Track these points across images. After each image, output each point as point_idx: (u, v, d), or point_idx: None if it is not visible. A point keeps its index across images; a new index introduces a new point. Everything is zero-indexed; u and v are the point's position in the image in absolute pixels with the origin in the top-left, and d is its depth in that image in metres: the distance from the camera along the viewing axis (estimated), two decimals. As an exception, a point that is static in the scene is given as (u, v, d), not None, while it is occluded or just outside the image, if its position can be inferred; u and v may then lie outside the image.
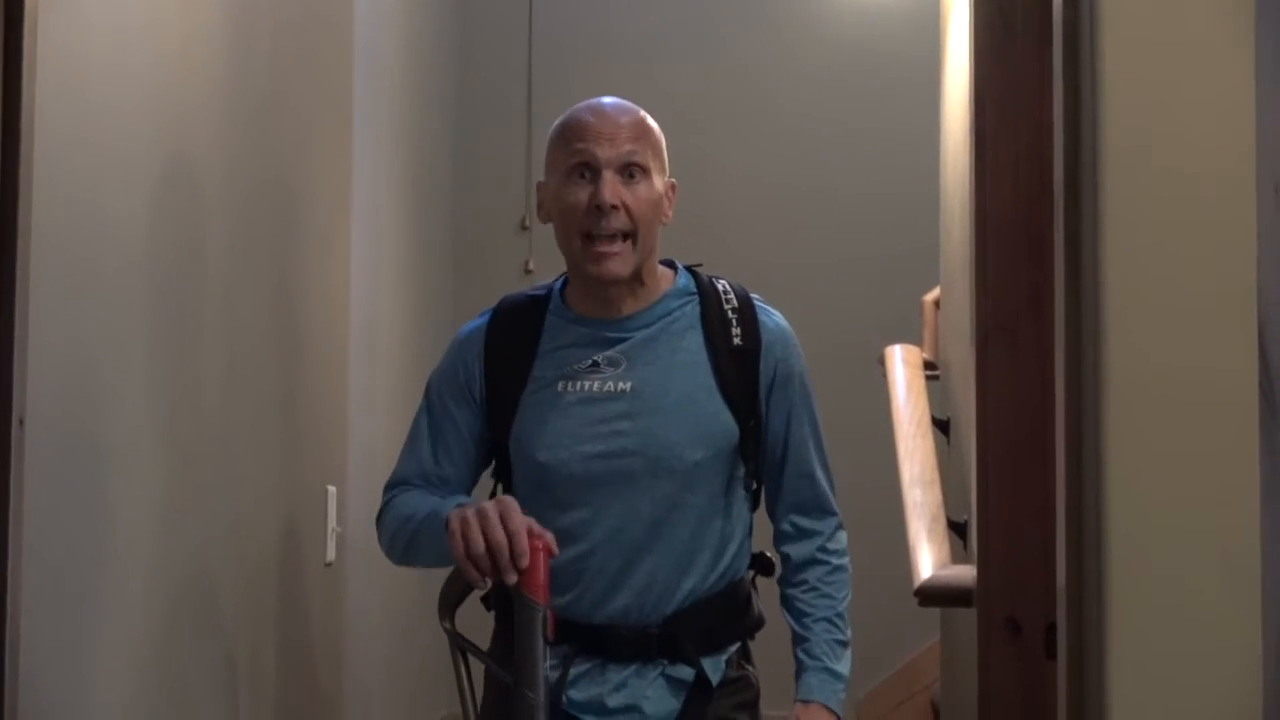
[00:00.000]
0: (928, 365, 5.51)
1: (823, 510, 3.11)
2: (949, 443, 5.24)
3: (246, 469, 3.44)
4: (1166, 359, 2.61)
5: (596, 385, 2.94)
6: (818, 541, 3.09)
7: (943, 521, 4.40)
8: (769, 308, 3.07)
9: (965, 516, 4.34)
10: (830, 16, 7.03)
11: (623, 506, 2.91)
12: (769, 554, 3.12)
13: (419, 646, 5.45)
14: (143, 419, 2.82)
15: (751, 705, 3.08)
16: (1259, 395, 1.44)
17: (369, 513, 4.74)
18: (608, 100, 2.98)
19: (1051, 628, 2.97)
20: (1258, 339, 1.43)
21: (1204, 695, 2.60)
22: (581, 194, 2.89)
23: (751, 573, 3.10)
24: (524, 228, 6.35)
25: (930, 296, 5.94)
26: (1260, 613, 1.44)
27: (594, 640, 2.96)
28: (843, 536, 3.13)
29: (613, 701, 2.96)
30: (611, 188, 2.89)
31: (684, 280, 3.03)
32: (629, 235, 2.92)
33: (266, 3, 3.58)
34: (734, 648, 3.06)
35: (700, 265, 3.09)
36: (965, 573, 3.39)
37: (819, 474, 3.09)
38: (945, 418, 5.27)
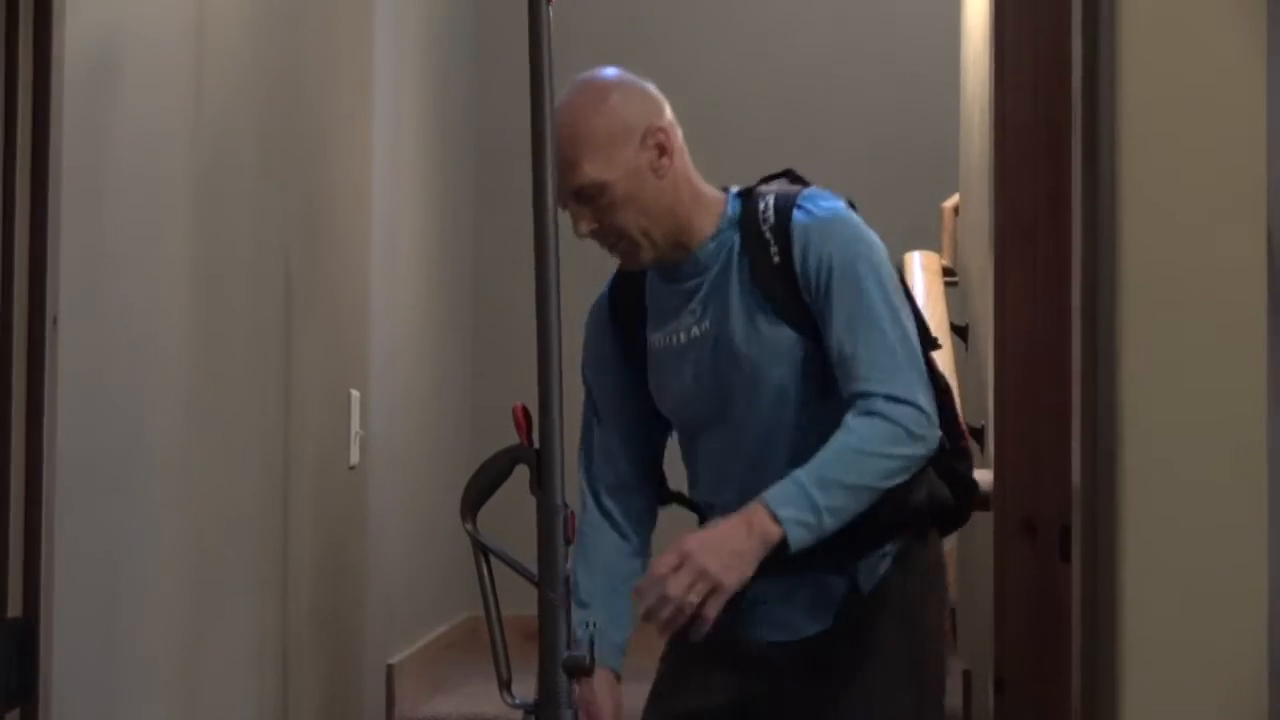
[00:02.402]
0: (946, 272, 5.52)
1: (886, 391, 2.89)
2: (967, 349, 5.27)
3: (270, 373, 3.48)
4: (1182, 262, 2.63)
5: (683, 337, 3.03)
6: (869, 404, 2.89)
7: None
8: (816, 199, 2.98)
9: (982, 422, 4.37)
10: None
11: (734, 436, 2.98)
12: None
13: (442, 549, 5.49)
14: (170, 320, 2.86)
15: (907, 618, 3.01)
16: (1267, 297, 1.46)
17: (391, 416, 4.79)
18: (562, 108, 2.95)
19: (1066, 530, 3.00)
20: (1266, 244, 1.45)
21: (1214, 593, 2.63)
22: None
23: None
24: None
25: (949, 203, 5.95)
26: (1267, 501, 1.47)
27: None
28: (906, 415, 2.87)
29: (776, 616, 3.02)
30: (577, 220, 2.98)
31: (730, 209, 3.03)
32: (622, 237, 2.97)
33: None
34: (892, 545, 3.01)
35: (761, 182, 3.08)
36: (982, 477, 3.42)
37: (869, 346, 2.91)
38: (964, 324, 5.30)
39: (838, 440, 2.86)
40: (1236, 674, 2.60)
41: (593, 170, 2.93)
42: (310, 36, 3.80)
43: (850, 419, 2.87)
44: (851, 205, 3.05)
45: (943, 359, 4.66)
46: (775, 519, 2.81)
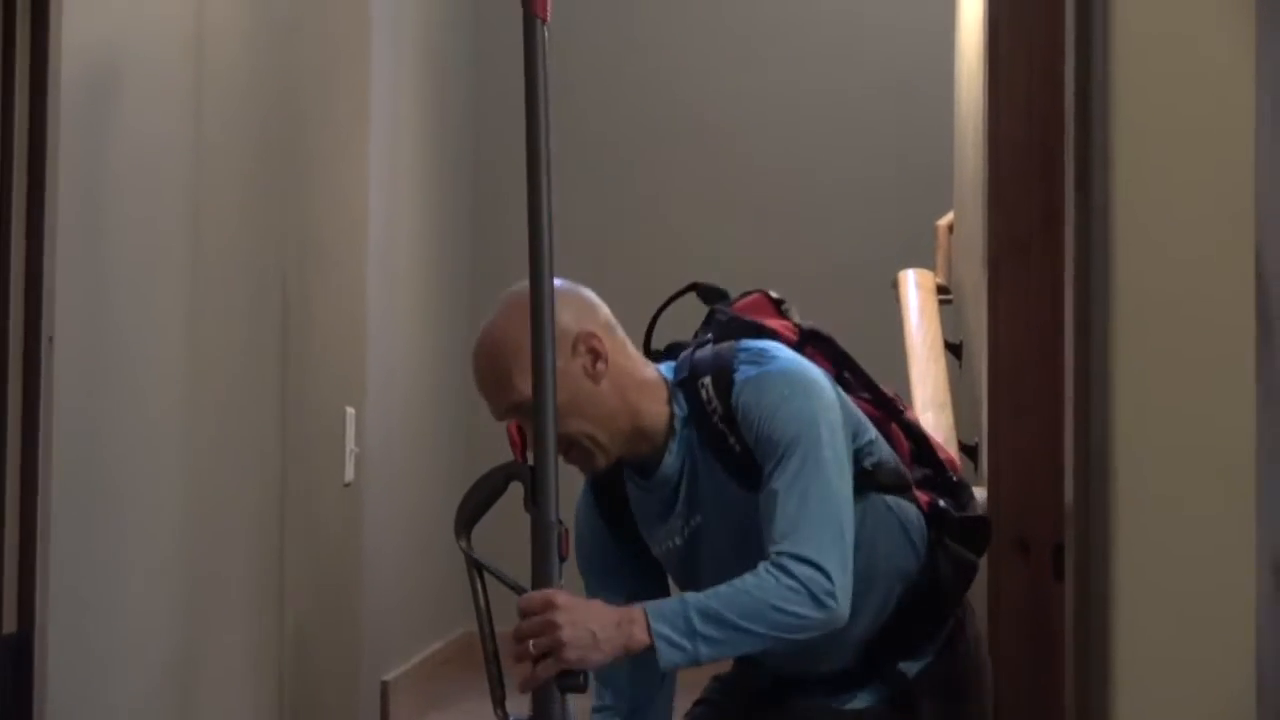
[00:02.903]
0: (941, 289, 5.53)
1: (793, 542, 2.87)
2: (961, 366, 5.27)
3: (266, 390, 3.48)
4: (1174, 281, 2.64)
5: (679, 540, 3.05)
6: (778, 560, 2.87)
7: (954, 444, 4.44)
8: (746, 364, 2.96)
9: (976, 439, 4.38)
10: (847, -60, 7.03)
11: (721, 576, 2.98)
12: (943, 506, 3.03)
13: (437, 565, 5.50)
14: (165, 338, 2.86)
15: (963, 678, 3.05)
16: (1255, 317, 1.47)
17: (387, 433, 4.79)
18: (478, 339, 2.95)
19: (1060, 548, 3.00)
20: (1255, 262, 1.46)
21: (1206, 613, 2.64)
22: None
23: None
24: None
25: (944, 221, 5.96)
26: (1255, 529, 1.48)
27: (787, 679, 3.05)
28: (812, 578, 2.83)
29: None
30: (529, 437, 2.87)
31: (677, 407, 3.01)
32: (572, 445, 2.95)
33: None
34: (938, 637, 3.04)
35: (686, 343, 3.09)
36: (976, 494, 3.42)
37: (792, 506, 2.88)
38: (958, 342, 5.30)
39: (740, 580, 2.83)
40: (1227, 692, 2.60)
41: (525, 385, 2.84)
42: (308, 53, 3.80)
43: (760, 567, 2.84)
44: (768, 296, 3.07)
45: (938, 377, 4.66)
46: (649, 630, 2.77)
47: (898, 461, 3.03)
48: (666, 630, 2.77)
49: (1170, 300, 2.65)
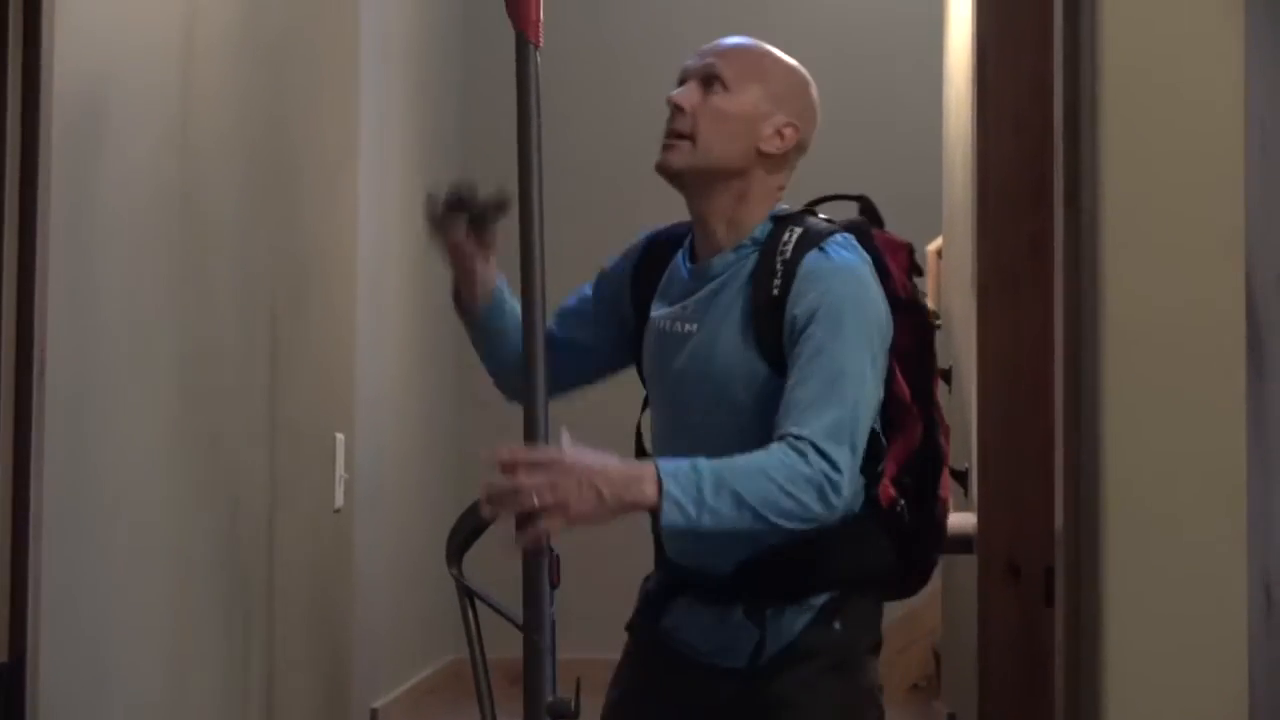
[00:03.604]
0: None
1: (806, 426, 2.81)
2: (950, 391, 5.27)
3: (255, 417, 3.48)
4: (1163, 305, 2.65)
5: (677, 327, 3.01)
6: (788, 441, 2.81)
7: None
8: (839, 247, 2.95)
9: (966, 465, 4.38)
10: (834, -34, 7.04)
11: (691, 443, 2.94)
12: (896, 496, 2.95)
13: (427, 591, 5.49)
14: (154, 365, 2.86)
15: (830, 670, 2.91)
16: (1245, 343, 1.48)
17: (376, 459, 4.79)
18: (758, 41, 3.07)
19: (1050, 573, 3.01)
20: (1245, 286, 1.46)
21: (1198, 636, 2.64)
22: None
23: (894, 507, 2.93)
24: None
25: (933, 246, 5.97)
26: (1245, 551, 1.48)
27: (680, 578, 3.00)
28: (826, 472, 2.78)
29: (704, 644, 2.98)
30: (683, 92, 2.99)
31: (761, 230, 3.03)
32: (686, 136, 2.99)
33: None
34: (824, 597, 2.98)
35: (806, 210, 3.10)
36: (966, 520, 3.43)
37: (816, 390, 2.83)
38: (947, 367, 5.30)
39: (753, 456, 2.78)
40: (1219, 715, 2.60)
41: (732, 77, 2.98)
42: (296, 80, 3.81)
43: (775, 445, 2.79)
44: (911, 253, 3.05)
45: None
46: (659, 489, 2.72)
47: (881, 438, 2.99)
48: (677, 493, 2.71)
49: (1160, 323, 2.66)
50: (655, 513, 2.73)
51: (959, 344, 4.96)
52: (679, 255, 3.10)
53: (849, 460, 2.81)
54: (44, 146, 2.30)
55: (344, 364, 4.34)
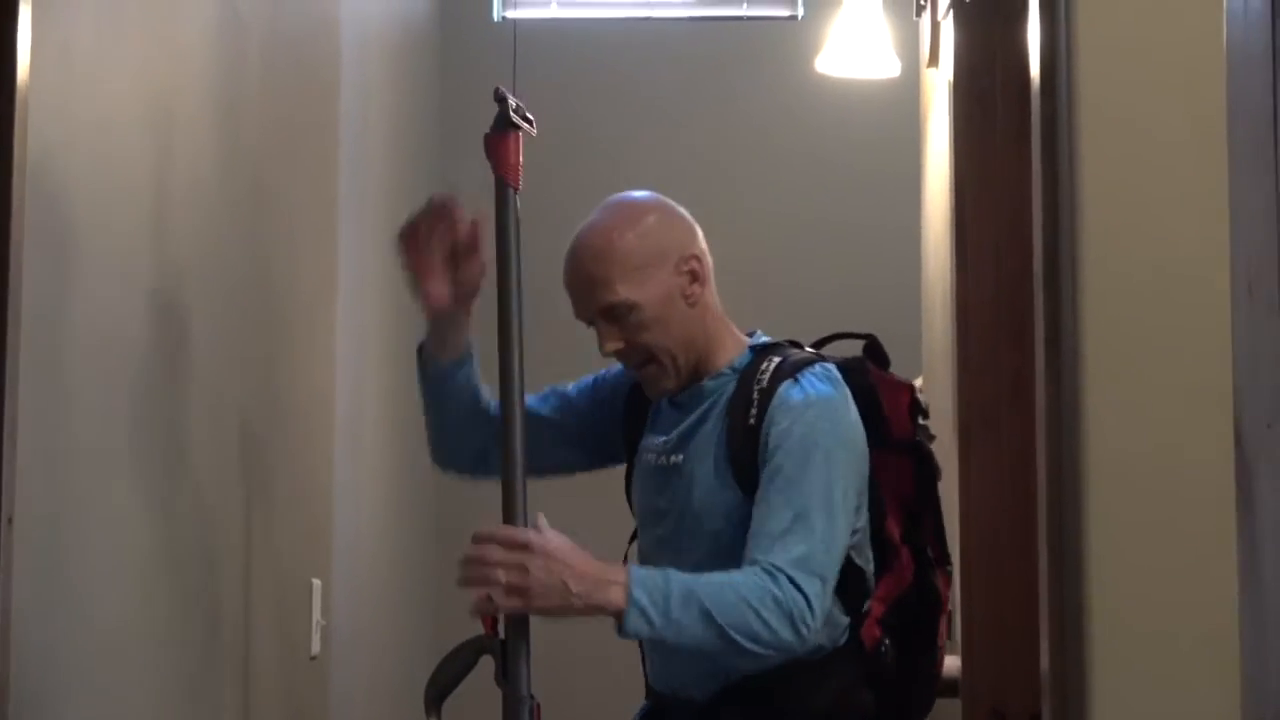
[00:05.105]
0: (911, 453, 5.52)
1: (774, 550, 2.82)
2: (933, 531, 5.25)
3: (230, 563, 3.44)
4: (1146, 449, 2.63)
5: (663, 460, 3.02)
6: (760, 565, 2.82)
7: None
8: (817, 379, 2.94)
9: (949, 608, 4.35)
10: (809, 106, 7.07)
11: (671, 556, 2.94)
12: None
13: (404, 739, 5.43)
14: (126, 516, 2.83)
15: None
16: (1235, 487, 1.46)
17: (354, 605, 4.74)
18: (576, 239, 3.03)
19: (1036, 718, 2.97)
20: (1234, 432, 1.44)
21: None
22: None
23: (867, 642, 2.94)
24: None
25: (914, 383, 5.96)
26: (1240, 702, 1.45)
27: (661, 705, 2.98)
28: (798, 603, 2.77)
29: None
30: (603, 338, 3.00)
31: (740, 360, 3.03)
32: (649, 360, 2.99)
33: (253, 99, 3.60)
34: None
35: (790, 342, 3.09)
36: (950, 663, 3.39)
37: (783, 514, 2.84)
38: (929, 506, 5.28)
39: (729, 574, 2.79)
40: None
41: (625, 289, 2.95)
42: (274, 221, 3.80)
43: (750, 569, 2.79)
44: (914, 394, 3.04)
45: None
46: (628, 595, 2.72)
47: (868, 577, 2.96)
48: (644, 600, 2.72)
49: (1145, 462, 2.64)
50: (619, 618, 2.71)
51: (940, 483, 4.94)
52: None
53: (819, 592, 2.79)
54: (14, 289, 2.27)
55: (322, 508, 4.31)
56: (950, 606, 4.33)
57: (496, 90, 2.91)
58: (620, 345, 2.97)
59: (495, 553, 2.72)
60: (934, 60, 4.99)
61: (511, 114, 2.90)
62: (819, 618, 2.79)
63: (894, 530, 3.02)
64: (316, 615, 4.20)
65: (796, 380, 2.93)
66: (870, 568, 2.95)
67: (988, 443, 3.61)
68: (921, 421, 3.10)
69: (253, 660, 3.60)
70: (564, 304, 3.03)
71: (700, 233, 3.09)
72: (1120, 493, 2.64)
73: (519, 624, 2.75)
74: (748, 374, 2.99)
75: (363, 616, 4.94)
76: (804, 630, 2.77)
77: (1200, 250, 2.56)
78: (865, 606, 2.95)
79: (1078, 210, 2.71)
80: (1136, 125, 2.69)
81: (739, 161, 7.08)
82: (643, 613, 2.71)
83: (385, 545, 5.53)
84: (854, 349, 3.16)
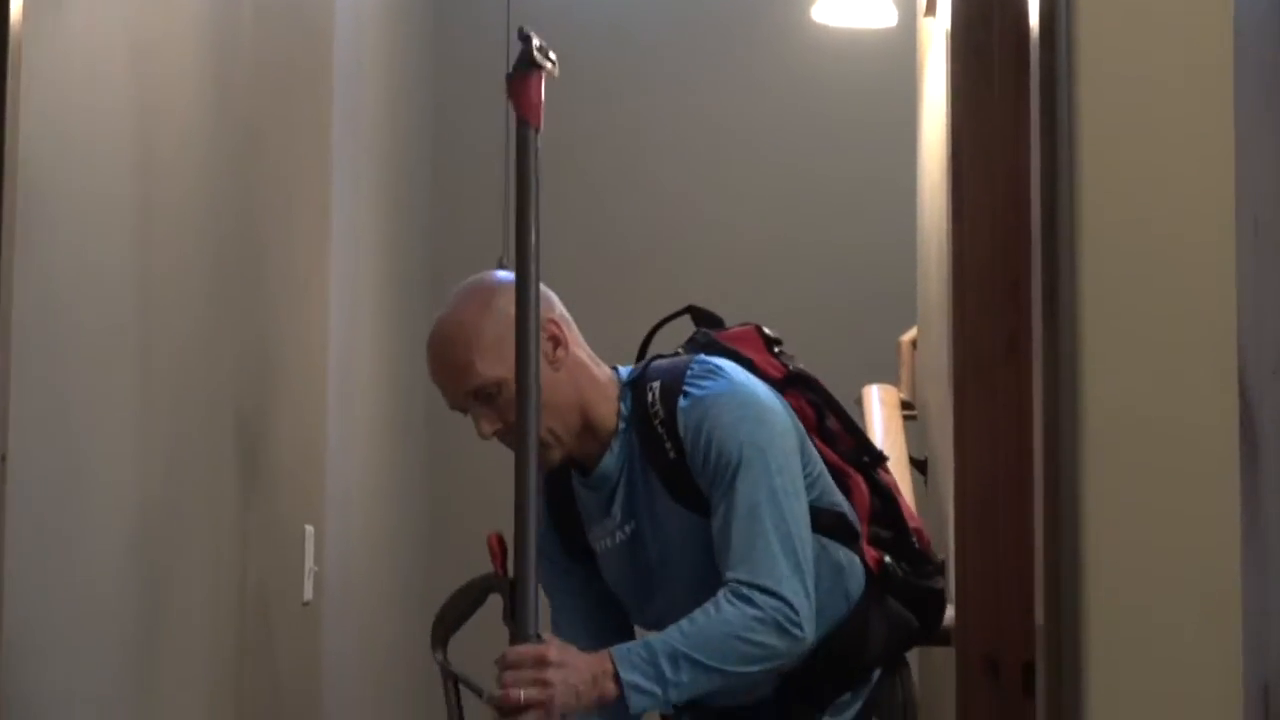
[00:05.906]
0: (905, 405, 5.52)
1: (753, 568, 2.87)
2: (926, 482, 5.25)
3: (224, 509, 3.44)
4: (1143, 402, 2.63)
5: (621, 535, 3.06)
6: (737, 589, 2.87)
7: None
8: (700, 378, 2.95)
9: (943, 556, 4.35)
10: (805, 59, 7.05)
11: (670, 600, 2.96)
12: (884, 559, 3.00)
13: (397, 686, 5.43)
14: (120, 459, 2.83)
15: None
16: (1239, 436, 1.45)
17: (346, 551, 4.75)
18: (431, 333, 3.03)
19: (1030, 667, 2.97)
20: (1238, 379, 1.43)
21: (1182, 734, 2.61)
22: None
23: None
24: (501, 267, 6.35)
25: (907, 337, 5.96)
26: (1238, 651, 1.45)
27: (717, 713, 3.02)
28: (775, 607, 2.83)
29: None
30: (479, 422, 2.98)
31: (624, 406, 3.01)
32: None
33: (246, 47, 3.59)
34: (854, 703, 3.01)
35: (639, 352, 3.10)
36: (945, 613, 3.40)
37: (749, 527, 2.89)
38: (923, 457, 5.29)
39: (701, 617, 2.82)
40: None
41: (486, 369, 2.91)
42: (267, 173, 3.79)
43: (720, 597, 2.83)
44: (760, 331, 3.05)
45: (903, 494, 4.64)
46: (617, 679, 2.77)
47: (846, 509, 3.00)
48: (636, 679, 2.76)
49: (1141, 425, 2.63)
50: (622, 701, 2.77)
51: (935, 436, 4.94)
52: (574, 484, 3.08)
53: (796, 587, 2.83)
54: (7, 254, 2.27)
55: (314, 457, 4.31)
56: (940, 555, 4.34)
57: (520, 29, 2.89)
58: (499, 426, 2.95)
59: (525, 674, 2.76)
60: (931, 9, 4.97)
61: (535, 53, 2.86)
62: (802, 610, 2.83)
63: (832, 456, 3.06)
64: (309, 562, 4.21)
65: (685, 394, 2.93)
66: (845, 504, 2.99)
67: (983, 397, 3.59)
68: (777, 350, 3.13)
69: (246, 606, 3.60)
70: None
71: (556, 299, 3.05)
72: (1117, 446, 2.64)
73: (527, 563, 2.76)
74: (640, 416, 2.98)
75: (355, 563, 4.95)
76: (796, 631, 2.82)
77: (1202, 204, 2.55)
78: (856, 537, 3.01)
79: (1076, 163, 2.69)
80: (1137, 77, 2.67)
81: (734, 111, 7.06)
82: (639, 690, 2.78)
83: (378, 492, 5.54)
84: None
